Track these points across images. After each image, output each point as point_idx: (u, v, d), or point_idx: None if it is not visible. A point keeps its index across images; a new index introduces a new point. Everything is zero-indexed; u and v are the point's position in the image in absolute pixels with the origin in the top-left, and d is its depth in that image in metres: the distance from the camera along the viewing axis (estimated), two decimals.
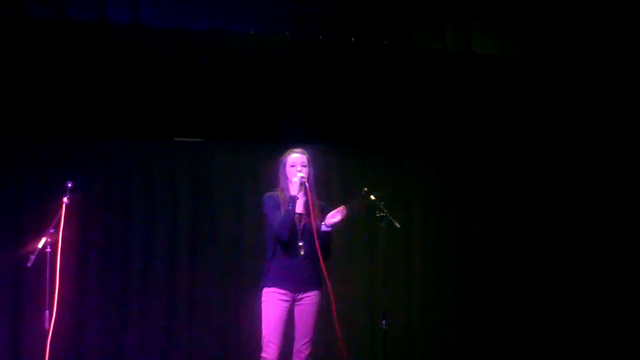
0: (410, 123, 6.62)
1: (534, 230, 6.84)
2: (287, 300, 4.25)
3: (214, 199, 6.21)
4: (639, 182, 6.81)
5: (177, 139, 6.24)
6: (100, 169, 5.97)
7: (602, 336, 6.66)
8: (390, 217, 4.69)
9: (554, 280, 6.78)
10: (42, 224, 4.80)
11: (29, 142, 5.81)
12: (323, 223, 4.25)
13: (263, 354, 4.23)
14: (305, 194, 4.26)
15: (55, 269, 4.33)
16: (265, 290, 4.28)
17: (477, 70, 6.30)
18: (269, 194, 4.39)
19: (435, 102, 6.55)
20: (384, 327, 4.81)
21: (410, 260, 6.65)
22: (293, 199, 4.23)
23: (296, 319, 4.29)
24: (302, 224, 4.27)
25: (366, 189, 4.84)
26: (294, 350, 4.30)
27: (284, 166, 4.38)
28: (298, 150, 4.41)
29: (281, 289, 4.24)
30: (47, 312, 4.33)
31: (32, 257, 4.35)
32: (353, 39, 5.38)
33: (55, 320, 4.32)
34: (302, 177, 4.26)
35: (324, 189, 5.45)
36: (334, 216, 4.21)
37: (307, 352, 4.28)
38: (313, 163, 4.43)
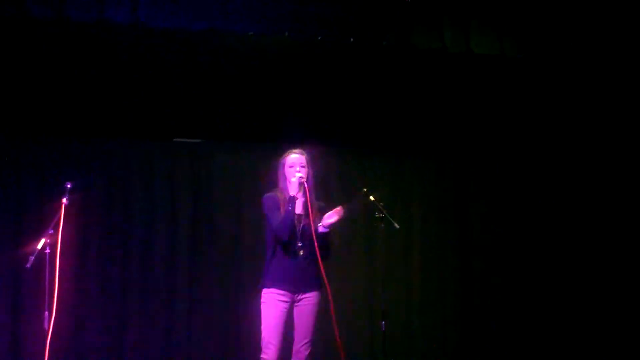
0: (409, 123, 6.62)
1: (534, 231, 6.85)
2: (286, 301, 4.25)
3: (214, 199, 6.21)
4: (639, 183, 6.81)
5: (177, 139, 6.24)
6: (100, 169, 5.97)
7: (602, 336, 6.66)
8: (390, 218, 4.70)
9: (554, 280, 6.79)
10: (42, 224, 4.80)
11: (28, 143, 5.81)
12: (320, 224, 4.24)
13: (262, 355, 4.23)
14: (305, 194, 4.26)
15: (55, 270, 4.32)
16: (265, 291, 4.29)
17: (477, 70, 6.29)
18: (268, 194, 4.39)
19: (434, 103, 6.55)
20: (383, 328, 4.81)
21: (409, 260, 6.65)
22: (292, 200, 4.23)
23: (295, 320, 4.29)
24: (301, 225, 4.27)
25: (365, 190, 4.84)
26: (293, 351, 4.30)
27: (283, 167, 4.38)
28: (297, 150, 4.41)
29: (280, 289, 4.24)
30: (46, 312, 4.32)
31: (32, 258, 4.34)
32: (352, 39, 5.38)
33: (54, 321, 4.30)
34: (300, 177, 4.26)
35: (323, 190, 5.45)
36: (331, 217, 4.20)
37: (306, 352, 4.28)
38: (312, 163, 4.43)
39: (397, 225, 4.67)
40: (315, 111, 6.28)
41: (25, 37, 5.41)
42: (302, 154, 4.40)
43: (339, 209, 4.22)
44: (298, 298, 4.27)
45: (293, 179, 4.27)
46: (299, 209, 4.28)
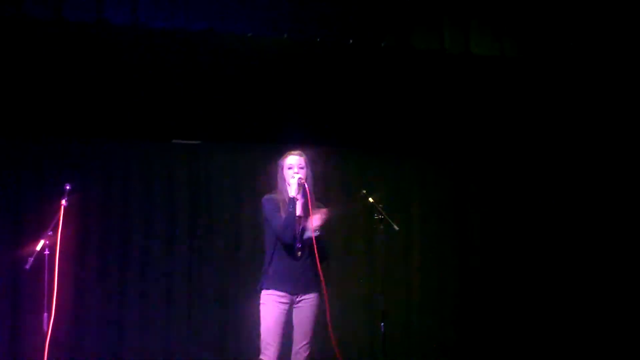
0: (409, 124, 6.62)
1: (533, 231, 6.85)
2: (285, 303, 4.24)
3: (213, 200, 6.21)
4: (639, 183, 6.81)
5: (176, 140, 6.24)
6: (99, 170, 5.97)
7: (602, 336, 6.66)
8: (389, 220, 4.69)
9: (554, 280, 6.79)
10: (41, 226, 4.80)
11: (27, 144, 5.80)
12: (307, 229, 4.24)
13: (261, 357, 4.23)
14: (304, 195, 4.25)
15: (54, 271, 4.31)
16: (264, 292, 4.28)
17: (476, 71, 6.30)
18: (267, 196, 4.38)
19: (433, 103, 6.55)
20: (383, 329, 4.80)
21: (409, 261, 6.66)
22: (293, 201, 4.22)
23: (295, 321, 4.28)
24: (300, 226, 4.26)
25: (365, 191, 4.83)
26: (293, 353, 4.30)
27: (282, 168, 4.38)
28: (296, 152, 4.40)
29: (279, 291, 4.24)
30: (45, 314, 4.32)
31: (31, 260, 4.34)
32: (351, 40, 5.38)
33: (53, 323, 4.30)
34: (300, 178, 4.25)
35: (322, 190, 5.44)
36: (315, 220, 4.20)
37: (305, 354, 4.27)
38: (311, 164, 4.43)
39: (396, 227, 4.66)
40: (314, 112, 6.28)
41: (24, 37, 5.40)
42: (301, 155, 4.39)
43: (324, 210, 4.22)
44: (297, 299, 4.27)
45: (292, 180, 4.26)
46: (298, 211, 4.27)
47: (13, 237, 5.60)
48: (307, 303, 4.28)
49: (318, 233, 4.22)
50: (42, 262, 4.38)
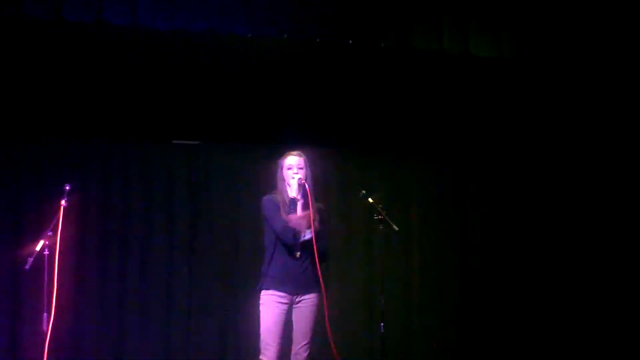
0: (408, 124, 6.62)
1: (533, 231, 6.85)
2: (285, 303, 4.24)
3: (212, 201, 6.20)
4: (638, 184, 6.81)
5: (175, 141, 6.24)
6: (98, 171, 5.97)
7: (602, 336, 6.66)
8: (389, 220, 4.69)
9: (553, 280, 6.79)
10: (40, 226, 4.80)
11: (27, 144, 5.80)
12: (308, 230, 4.24)
13: (261, 357, 4.23)
14: (304, 195, 4.26)
15: (54, 272, 4.32)
16: (264, 292, 4.28)
17: (475, 72, 6.30)
18: (267, 196, 4.38)
19: (433, 104, 6.56)
20: (382, 330, 4.80)
21: (408, 261, 6.65)
22: (294, 202, 4.22)
23: (294, 322, 4.28)
24: (300, 227, 4.25)
25: (364, 191, 4.84)
26: (292, 353, 4.30)
27: (281, 169, 4.38)
28: (295, 152, 4.40)
29: (279, 291, 4.23)
30: (45, 314, 4.33)
31: (30, 260, 4.35)
32: (351, 40, 5.38)
33: (53, 323, 4.31)
34: (300, 179, 4.25)
35: (322, 191, 5.45)
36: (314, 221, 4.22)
37: (305, 354, 4.27)
38: (311, 165, 4.43)
39: (396, 228, 4.66)
40: (314, 112, 6.28)
41: (24, 38, 5.41)
42: (300, 156, 4.39)
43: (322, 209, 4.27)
44: (297, 300, 4.27)
45: (292, 181, 4.27)
46: (299, 211, 4.27)
47: (13, 237, 5.60)
48: (307, 303, 4.28)
49: (318, 228, 4.21)
50: (42, 262, 4.38)
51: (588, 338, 6.66)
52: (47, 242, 4.39)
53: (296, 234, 4.22)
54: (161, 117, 6.06)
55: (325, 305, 4.22)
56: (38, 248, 4.38)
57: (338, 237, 6.29)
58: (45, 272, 4.36)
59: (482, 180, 6.87)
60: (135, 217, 6.00)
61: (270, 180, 4.50)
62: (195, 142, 6.28)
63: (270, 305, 4.24)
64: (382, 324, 4.81)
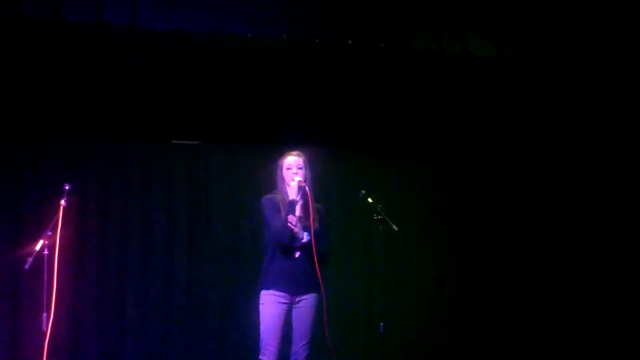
0: (408, 125, 6.62)
1: (532, 232, 6.85)
2: (285, 303, 4.25)
3: (212, 200, 6.21)
4: (637, 184, 6.81)
5: (175, 141, 6.24)
6: (98, 171, 5.97)
7: (600, 337, 6.66)
8: (388, 220, 4.70)
9: (552, 281, 6.79)
10: (40, 226, 4.81)
11: (27, 144, 5.80)
12: (305, 233, 4.24)
13: (261, 357, 4.23)
14: (304, 197, 4.26)
15: (53, 271, 4.32)
16: (263, 292, 4.29)
17: (474, 72, 6.30)
18: (267, 196, 4.39)
19: (432, 104, 6.56)
20: (382, 330, 4.81)
21: (408, 261, 6.66)
22: (292, 204, 4.23)
23: (294, 322, 4.29)
24: (299, 228, 4.26)
25: (364, 191, 4.84)
26: (292, 353, 4.30)
27: (281, 169, 4.39)
28: (294, 152, 4.41)
29: (279, 291, 4.24)
30: (44, 314, 4.33)
31: (30, 260, 4.36)
32: (350, 41, 5.38)
33: (52, 323, 4.31)
34: (300, 181, 4.26)
35: (321, 191, 5.45)
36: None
37: (305, 354, 4.28)
38: (310, 165, 4.43)
39: (395, 227, 4.67)
40: (314, 112, 6.29)
41: (24, 37, 5.41)
42: (299, 156, 4.40)
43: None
44: (297, 300, 4.27)
45: (292, 183, 4.27)
46: (298, 212, 4.28)
47: (12, 237, 5.60)
48: (307, 303, 4.29)
49: (317, 229, 4.22)
50: (42, 262, 4.39)
51: (587, 338, 6.66)
52: (46, 242, 4.40)
53: (293, 235, 4.22)
54: (161, 117, 6.06)
55: (324, 305, 4.22)
56: (38, 248, 4.39)
57: (338, 237, 6.29)
58: (45, 272, 4.37)
59: (481, 180, 6.87)
60: (135, 217, 6.00)
61: (270, 180, 4.51)
62: (195, 142, 6.29)
63: (269, 305, 4.24)
64: (381, 323, 4.81)
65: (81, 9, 4.79)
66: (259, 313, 4.29)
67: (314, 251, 4.16)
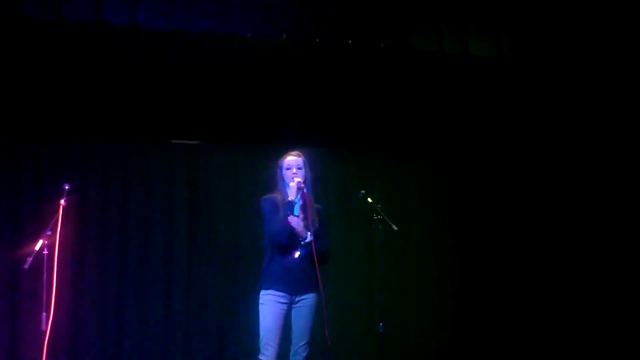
0: (407, 125, 6.63)
1: (531, 232, 6.85)
2: (284, 303, 4.25)
3: (211, 200, 6.21)
4: (637, 184, 6.81)
5: (175, 140, 6.24)
6: (98, 171, 5.97)
7: (601, 337, 6.66)
8: (388, 220, 4.70)
9: (551, 281, 6.79)
10: (40, 226, 4.80)
11: (27, 144, 5.80)
12: (308, 232, 4.25)
13: (261, 356, 4.23)
14: (302, 198, 4.26)
15: (53, 271, 4.33)
16: (263, 292, 4.28)
17: (474, 72, 6.31)
18: (266, 196, 4.39)
19: (432, 104, 6.56)
20: (381, 330, 4.81)
21: (407, 261, 6.66)
22: (291, 204, 4.23)
23: (293, 321, 4.29)
24: (297, 229, 4.25)
25: (363, 191, 4.84)
26: (291, 352, 4.30)
27: (280, 169, 4.39)
28: (294, 152, 4.41)
29: (279, 291, 4.24)
30: (44, 314, 4.33)
31: (29, 260, 4.35)
32: (350, 41, 5.38)
33: (52, 323, 4.32)
34: (299, 182, 4.26)
35: (321, 191, 5.45)
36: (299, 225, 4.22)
37: (304, 354, 4.28)
38: (310, 165, 4.43)
39: (395, 227, 4.67)
40: (313, 112, 6.29)
41: (24, 37, 5.41)
42: (299, 156, 4.39)
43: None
44: (296, 299, 4.27)
45: (292, 184, 4.27)
46: (297, 213, 4.27)
47: (12, 237, 5.60)
48: (306, 303, 4.28)
49: (317, 229, 4.22)
50: (41, 262, 4.38)
51: (587, 338, 6.66)
52: (46, 242, 4.39)
53: (294, 236, 4.21)
54: (161, 117, 6.07)
55: (324, 305, 4.22)
56: (37, 248, 4.38)
57: (337, 237, 6.29)
58: (45, 272, 4.36)
59: (481, 180, 6.87)
60: (135, 217, 6.00)
61: (270, 180, 4.51)
62: (195, 142, 6.29)
63: (269, 305, 4.24)
64: (381, 323, 4.81)
65: (81, 9, 4.79)
66: (258, 313, 4.29)
67: (314, 251, 4.16)
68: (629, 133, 6.78)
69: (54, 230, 4.36)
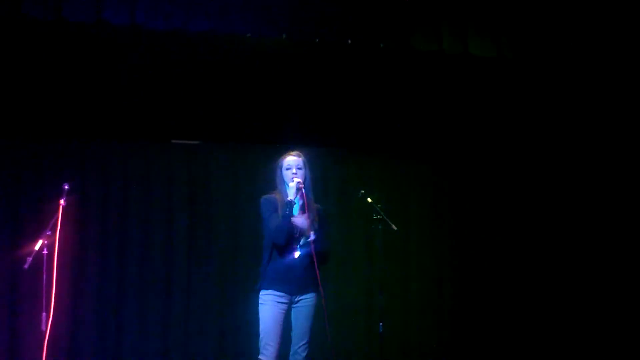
0: (407, 125, 6.62)
1: (531, 232, 6.84)
2: (284, 303, 4.25)
3: (211, 200, 6.21)
4: (637, 184, 6.81)
5: (175, 140, 6.24)
6: (98, 170, 5.97)
7: (600, 337, 6.66)
8: (387, 220, 4.69)
9: (551, 281, 6.79)
10: (39, 226, 4.80)
11: (26, 144, 5.80)
12: (311, 232, 4.24)
13: (260, 356, 4.23)
14: (302, 198, 4.26)
15: (52, 271, 4.33)
16: (263, 292, 4.29)
17: (474, 72, 6.31)
18: (266, 196, 4.39)
19: (432, 104, 6.56)
20: (381, 330, 4.81)
21: (407, 261, 6.65)
22: (290, 204, 4.23)
23: (293, 321, 4.29)
24: (296, 229, 4.26)
25: (363, 191, 4.84)
26: (291, 352, 4.30)
27: (280, 169, 4.39)
28: (294, 152, 4.41)
29: (278, 291, 4.24)
30: (44, 314, 4.33)
31: (29, 259, 4.35)
32: (350, 41, 5.38)
33: (52, 322, 4.32)
34: (298, 182, 4.26)
35: (321, 191, 5.45)
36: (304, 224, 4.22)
37: (304, 354, 4.28)
38: (310, 165, 4.43)
39: (394, 227, 4.67)
40: (313, 112, 6.29)
41: (24, 37, 5.41)
42: (299, 156, 4.40)
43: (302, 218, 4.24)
44: (296, 299, 4.27)
45: (291, 184, 4.27)
46: (296, 214, 4.27)
47: (12, 237, 5.60)
48: (306, 303, 4.29)
49: (314, 237, 4.22)
50: (41, 261, 4.39)
51: (587, 338, 6.66)
52: (46, 242, 4.39)
53: (293, 235, 4.21)
54: (161, 117, 6.07)
55: (324, 305, 4.22)
56: (37, 247, 4.38)
57: (337, 237, 6.29)
58: (44, 272, 4.37)
59: (481, 180, 6.87)
60: (135, 217, 6.00)
61: (270, 180, 4.51)
62: (195, 142, 6.29)
63: (269, 305, 4.25)
64: (380, 323, 4.81)
65: (81, 9, 4.79)
66: (258, 313, 4.29)
67: (313, 251, 4.16)
68: (629, 133, 6.77)
69: (53, 230, 4.36)
